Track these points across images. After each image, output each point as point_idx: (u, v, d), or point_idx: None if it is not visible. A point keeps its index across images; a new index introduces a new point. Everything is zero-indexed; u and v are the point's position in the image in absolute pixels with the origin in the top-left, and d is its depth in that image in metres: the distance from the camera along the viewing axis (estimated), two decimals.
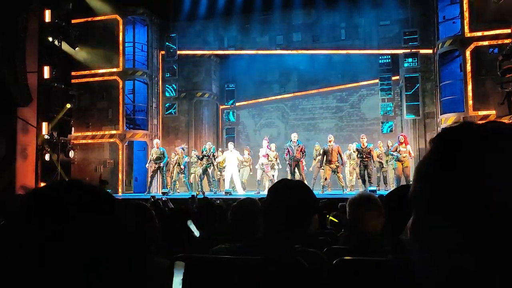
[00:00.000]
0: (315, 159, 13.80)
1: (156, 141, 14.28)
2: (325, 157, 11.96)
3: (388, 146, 12.41)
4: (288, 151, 12.24)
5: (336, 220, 4.46)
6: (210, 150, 13.39)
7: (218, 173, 14.09)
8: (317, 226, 3.46)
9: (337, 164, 11.93)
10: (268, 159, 12.99)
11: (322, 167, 12.42)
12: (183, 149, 14.09)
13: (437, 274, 0.58)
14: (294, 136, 12.34)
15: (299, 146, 12.16)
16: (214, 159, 13.46)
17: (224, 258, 1.69)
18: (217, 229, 3.53)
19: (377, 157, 12.44)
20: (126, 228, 0.65)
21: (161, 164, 13.47)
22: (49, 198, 0.63)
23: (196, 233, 2.68)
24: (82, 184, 0.66)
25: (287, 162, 12.44)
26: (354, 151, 12.68)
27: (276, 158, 13.37)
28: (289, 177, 12.25)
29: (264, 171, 12.94)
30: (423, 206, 0.60)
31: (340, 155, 12.02)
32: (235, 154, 13.23)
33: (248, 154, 13.88)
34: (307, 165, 13.23)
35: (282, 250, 1.65)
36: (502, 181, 0.54)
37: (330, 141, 11.99)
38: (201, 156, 13.46)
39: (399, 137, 11.98)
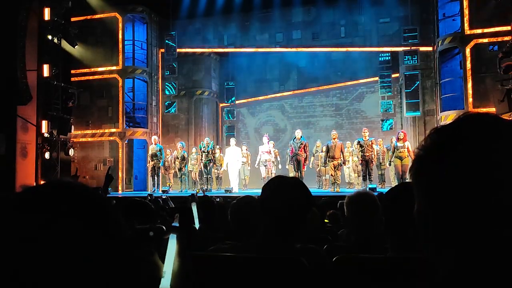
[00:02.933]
0: (314, 155, 13.84)
1: (154, 137, 14.34)
2: (328, 153, 11.84)
3: (391, 142, 12.28)
4: (292, 148, 12.24)
5: (327, 221, 4.40)
6: (208, 146, 13.42)
7: (216, 171, 14.10)
8: (318, 223, 3.46)
9: (339, 162, 11.85)
10: (269, 154, 13.02)
11: (326, 165, 12.33)
12: (182, 144, 14.14)
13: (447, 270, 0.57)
14: (297, 133, 12.31)
15: (301, 143, 12.12)
16: (214, 155, 13.49)
17: (225, 255, 1.69)
18: (216, 227, 3.53)
19: (377, 153, 12.36)
20: (117, 230, 0.65)
21: (159, 165, 13.57)
22: (37, 200, 0.62)
23: (196, 224, 2.67)
24: (71, 185, 0.66)
25: (289, 160, 12.47)
26: (355, 147, 12.59)
27: (276, 156, 13.40)
28: (292, 174, 12.27)
29: (266, 167, 12.94)
30: (427, 198, 0.59)
31: (343, 153, 11.94)
32: (237, 150, 13.29)
33: (247, 150, 13.92)
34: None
35: (283, 248, 1.65)
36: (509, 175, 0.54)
37: (334, 138, 11.89)
38: (199, 153, 13.53)
39: (398, 133, 11.86)
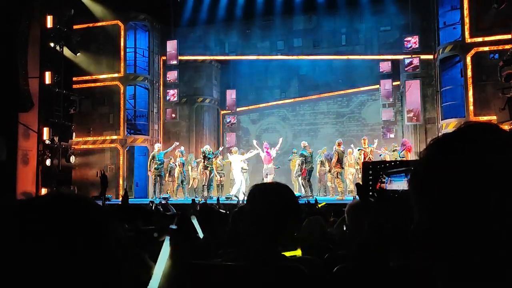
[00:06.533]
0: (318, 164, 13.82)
1: (157, 145, 14.27)
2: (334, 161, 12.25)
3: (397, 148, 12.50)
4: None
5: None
6: (209, 152, 13.44)
7: (218, 177, 14.09)
8: (318, 231, 3.44)
9: (339, 170, 12.06)
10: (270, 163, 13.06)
11: (331, 172, 12.57)
12: (182, 152, 14.10)
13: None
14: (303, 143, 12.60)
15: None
16: (211, 160, 13.49)
17: (223, 264, 1.68)
18: (216, 234, 3.52)
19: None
20: (115, 242, 0.65)
21: (161, 173, 13.60)
22: (37, 214, 0.62)
23: (200, 234, 2.66)
24: (69, 198, 0.66)
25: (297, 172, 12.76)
26: (357, 155, 12.67)
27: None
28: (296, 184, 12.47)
29: (268, 175, 12.96)
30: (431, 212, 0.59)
31: (341, 161, 12.21)
32: (239, 158, 13.35)
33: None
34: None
35: (269, 254, 1.63)
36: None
37: (339, 145, 12.19)
38: (201, 159, 13.58)
39: (401, 151, 12.06)
